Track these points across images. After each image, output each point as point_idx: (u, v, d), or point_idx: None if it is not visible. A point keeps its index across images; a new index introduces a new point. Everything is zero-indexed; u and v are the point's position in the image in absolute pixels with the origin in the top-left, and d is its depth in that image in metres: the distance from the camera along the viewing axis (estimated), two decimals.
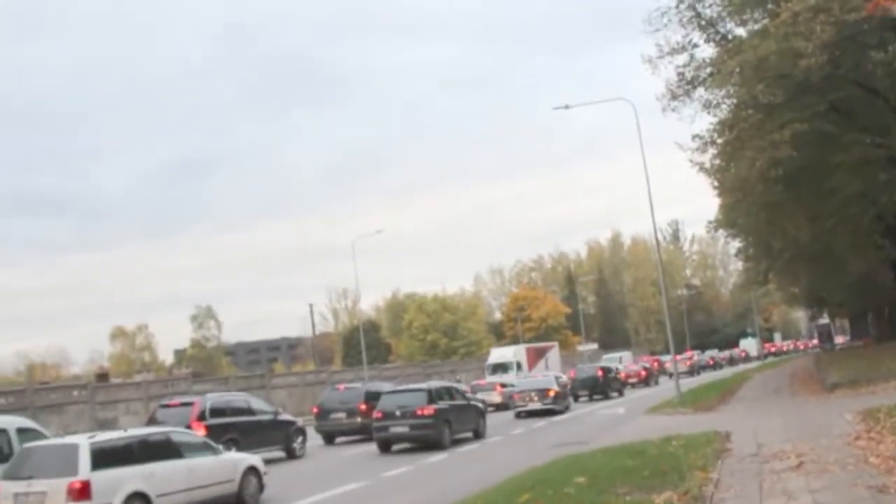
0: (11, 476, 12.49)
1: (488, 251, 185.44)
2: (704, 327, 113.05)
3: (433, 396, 23.74)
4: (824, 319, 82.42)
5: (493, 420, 29.12)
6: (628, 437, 17.72)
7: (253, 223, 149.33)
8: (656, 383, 52.76)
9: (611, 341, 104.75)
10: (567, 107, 30.96)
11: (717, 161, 30.50)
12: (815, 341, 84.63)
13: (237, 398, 25.13)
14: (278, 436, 24.17)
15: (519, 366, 56.64)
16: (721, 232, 51.08)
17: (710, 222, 45.51)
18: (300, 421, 26.49)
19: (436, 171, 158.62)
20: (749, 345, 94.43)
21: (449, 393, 25.29)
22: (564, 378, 40.10)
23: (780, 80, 24.96)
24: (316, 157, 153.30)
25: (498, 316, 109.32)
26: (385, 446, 23.45)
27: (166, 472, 13.41)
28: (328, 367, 73.13)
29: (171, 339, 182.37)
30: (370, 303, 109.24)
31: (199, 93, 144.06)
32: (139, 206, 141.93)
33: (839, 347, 70.10)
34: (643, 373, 53.60)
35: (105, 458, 12.61)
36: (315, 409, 29.57)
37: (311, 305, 74.18)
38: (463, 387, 34.19)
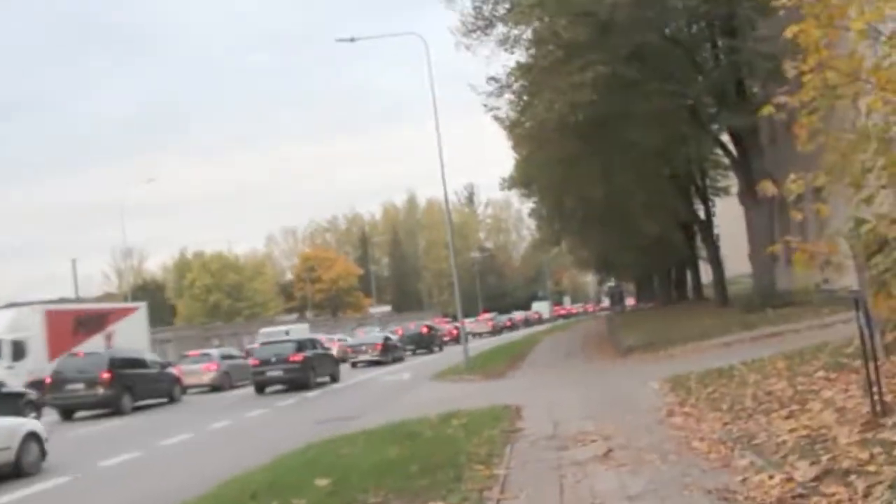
0: None
1: (287, 213, 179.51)
2: (496, 290, 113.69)
3: (301, 346, 28.12)
4: (612, 283, 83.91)
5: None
6: (406, 411, 15.04)
7: (41, 177, 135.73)
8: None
9: (404, 303, 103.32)
10: (352, 39, 27.87)
11: (513, 112, 28.81)
12: (605, 304, 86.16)
13: None
14: (3, 411, 20.19)
15: (19, 347, 30.73)
16: (515, 193, 50.06)
17: (503, 179, 44.09)
18: (33, 393, 23.14)
19: (241, 129, 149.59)
20: (541, 307, 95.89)
21: (313, 344, 30.00)
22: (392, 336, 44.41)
23: (584, 18, 23.20)
24: (113, 111, 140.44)
25: (289, 277, 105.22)
26: (261, 388, 27.11)
27: None
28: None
29: None
30: (159, 263, 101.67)
31: None
32: None
33: (628, 310, 71.20)
34: (454, 331, 56.57)
35: None
36: (48, 379, 24.96)
37: (73, 261, 64.82)
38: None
